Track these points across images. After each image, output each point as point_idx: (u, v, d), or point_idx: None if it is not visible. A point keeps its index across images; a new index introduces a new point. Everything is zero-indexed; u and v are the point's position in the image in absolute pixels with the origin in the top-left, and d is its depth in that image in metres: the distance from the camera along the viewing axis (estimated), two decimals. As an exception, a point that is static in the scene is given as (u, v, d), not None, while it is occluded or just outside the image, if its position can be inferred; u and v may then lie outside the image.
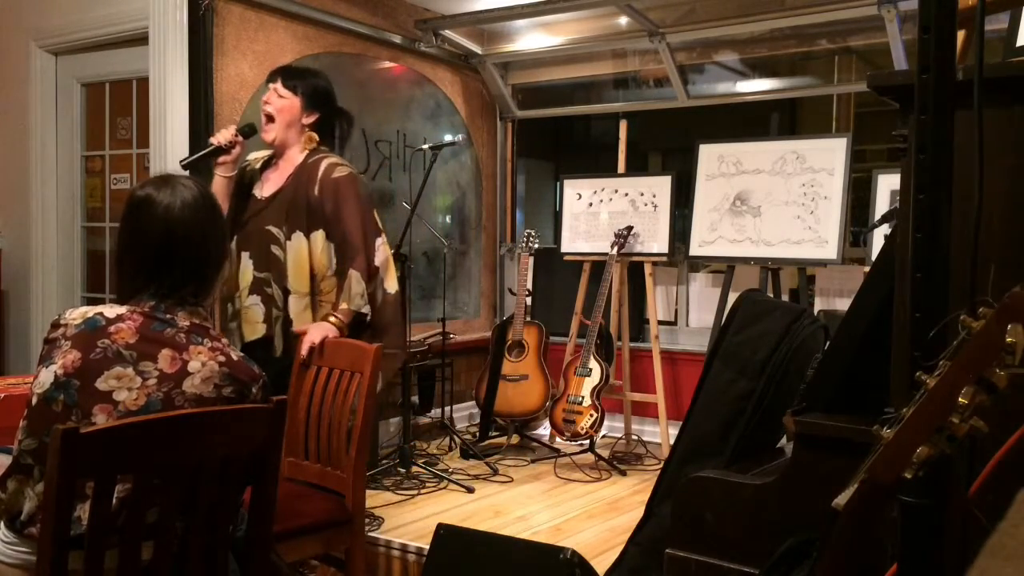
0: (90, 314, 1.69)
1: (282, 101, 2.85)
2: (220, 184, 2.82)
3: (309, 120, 2.88)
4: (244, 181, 2.93)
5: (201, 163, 2.80)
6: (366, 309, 2.75)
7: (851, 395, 1.78)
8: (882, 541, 1.10)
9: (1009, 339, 0.85)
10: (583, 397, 4.30)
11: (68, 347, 1.66)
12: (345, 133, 3.08)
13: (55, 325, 1.71)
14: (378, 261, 2.83)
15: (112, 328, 1.67)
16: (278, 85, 2.86)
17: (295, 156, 2.89)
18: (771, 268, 4.26)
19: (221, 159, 2.81)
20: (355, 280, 2.73)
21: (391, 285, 2.86)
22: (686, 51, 4.91)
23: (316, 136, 2.90)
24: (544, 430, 4.76)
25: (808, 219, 4.19)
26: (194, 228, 1.75)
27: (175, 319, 1.71)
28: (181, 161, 2.81)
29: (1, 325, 4.65)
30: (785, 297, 4.31)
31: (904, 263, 1.42)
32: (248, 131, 2.85)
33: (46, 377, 1.64)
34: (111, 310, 1.71)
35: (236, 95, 3.90)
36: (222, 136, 2.80)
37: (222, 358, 1.72)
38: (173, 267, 1.73)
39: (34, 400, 1.65)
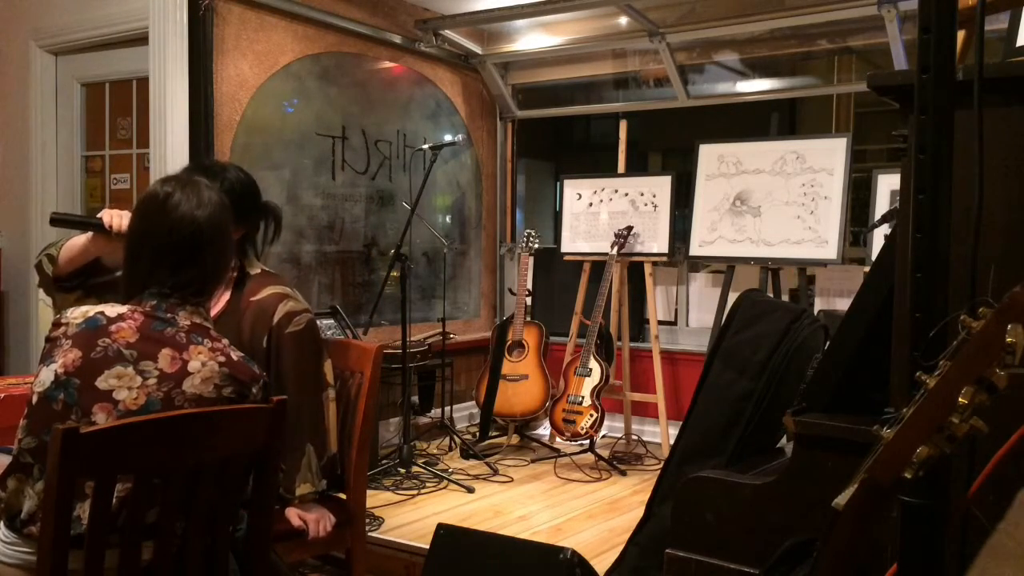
0: (91, 313, 1.69)
1: None
2: (81, 252, 2.15)
3: (236, 236, 2.20)
4: None
5: (72, 228, 2.18)
6: (323, 485, 2.30)
7: (851, 395, 1.78)
8: (882, 541, 1.10)
9: (1009, 339, 0.85)
10: (583, 397, 4.30)
11: (69, 346, 1.66)
12: (272, 234, 2.52)
13: (56, 324, 1.71)
14: (327, 422, 2.37)
15: (113, 327, 1.67)
16: None
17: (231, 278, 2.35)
18: (771, 268, 4.26)
19: (102, 239, 2.12)
20: (312, 456, 2.27)
21: (333, 443, 2.37)
22: (686, 51, 4.91)
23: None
24: (544, 430, 4.76)
25: (808, 219, 4.19)
26: (218, 229, 1.77)
27: (176, 318, 1.72)
28: (52, 213, 2.23)
29: (1, 325, 4.65)
30: (785, 297, 4.31)
31: (904, 263, 1.42)
32: None
33: (46, 376, 1.65)
34: (112, 309, 1.71)
35: (236, 95, 3.90)
36: (120, 221, 2.07)
37: (222, 358, 1.72)
38: (193, 266, 1.74)
39: (34, 399, 1.65)
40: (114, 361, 1.65)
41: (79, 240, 2.15)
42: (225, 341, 1.77)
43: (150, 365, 1.66)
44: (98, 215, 2.13)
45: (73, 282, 2.22)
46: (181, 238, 1.72)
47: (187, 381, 1.67)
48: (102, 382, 1.63)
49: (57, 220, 2.20)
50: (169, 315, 1.71)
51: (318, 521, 2.27)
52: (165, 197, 1.75)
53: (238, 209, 2.13)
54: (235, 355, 1.75)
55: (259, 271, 2.41)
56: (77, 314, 1.70)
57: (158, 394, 1.65)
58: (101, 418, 1.62)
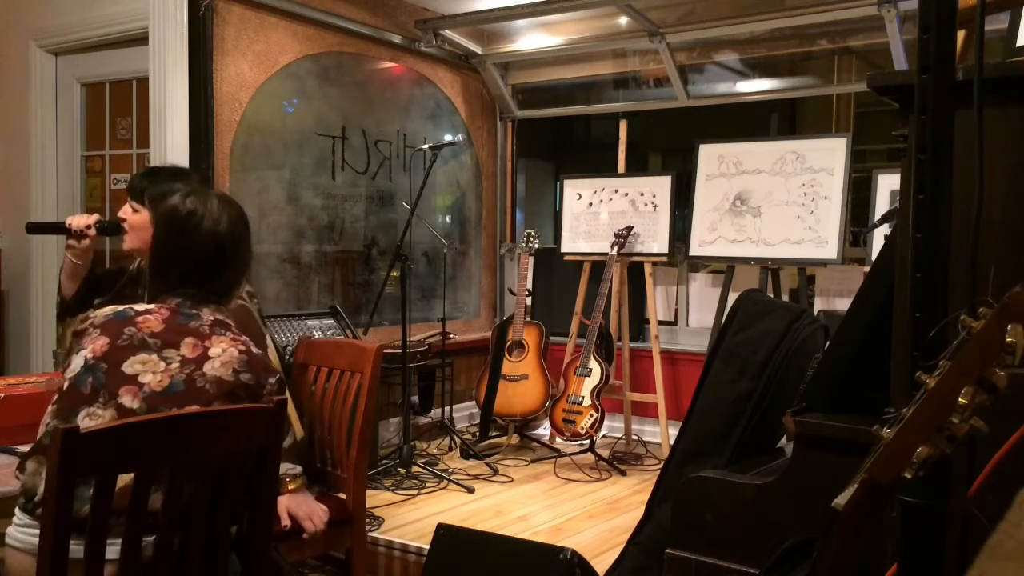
0: (120, 308, 1.80)
1: (134, 216, 2.43)
2: (67, 265, 2.48)
3: None
4: (129, 278, 2.57)
5: (44, 232, 2.59)
6: (288, 468, 2.27)
7: (851, 395, 1.78)
8: (882, 541, 1.10)
9: (1009, 339, 0.85)
10: (583, 397, 4.30)
11: (97, 334, 1.74)
12: None
13: (84, 319, 1.80)
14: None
15: (140, 319, 1.77)
16: (130, 198, 2.47)
17: None
18: (771, 268, 4.26)
19: (70, 242, 2.46)
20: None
21: (298, 429, 2.39)
22: (686, 51, 4.91)
23: None
24: (544, 430, 4.76)
25: (808, 219, 4.19)
26: (238, 242, 1.88)
27: (200, 314, 1.81)
28: (28, 223, 2.57)
29: (1, 325, 4.65)
30: (785, 297, 4.31)
31: (904, 263, 1.42)
32: (108, 229, 2.47)
33: (77, 362, 1.72)
34: (140, 306, 1.81)
35: (236, 95, 3.90)
36: (77, 221, 2.44)
37: (242, 347, 1.81)
38: (216, 276, 1.85)
39: (65, 385, 1.72)
40: (139, 348, 1.73)
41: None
42: (246, 338, 1.85)
43: (173, 352, 1.75)
44: (67, 219, 2.45)
45: (74, 299, 2.47)
46: (205, 253, 1.83)
47: (207, 364, 1.75)
48: (128, 367, 1.71)
49: (31, 228, 2.55)
50: (194, 311, 1.81)
51: (309, 517, 2.26)
52: (188, 214, 1.84)
53: None
54: (255, 349, 1.84)
55: None
56: (107, 309, 1.80)
57: (181, 375, 1.73)
58: (127, 400, 1.70)
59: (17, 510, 1.74)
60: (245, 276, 1.97)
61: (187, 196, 1.88)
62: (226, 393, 1.76)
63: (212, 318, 1.81)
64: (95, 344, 1.73)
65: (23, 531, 1.70)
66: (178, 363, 1.73)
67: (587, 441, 4.32)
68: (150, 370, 1.72)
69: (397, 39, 4.78)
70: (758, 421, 2.29)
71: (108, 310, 1.79)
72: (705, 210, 4.51)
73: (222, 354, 1.76)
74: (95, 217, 2.45)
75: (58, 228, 2.46)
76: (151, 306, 1.81)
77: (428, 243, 4.96)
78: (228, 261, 1.86)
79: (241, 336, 1.83)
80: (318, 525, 2.26)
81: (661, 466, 2.77)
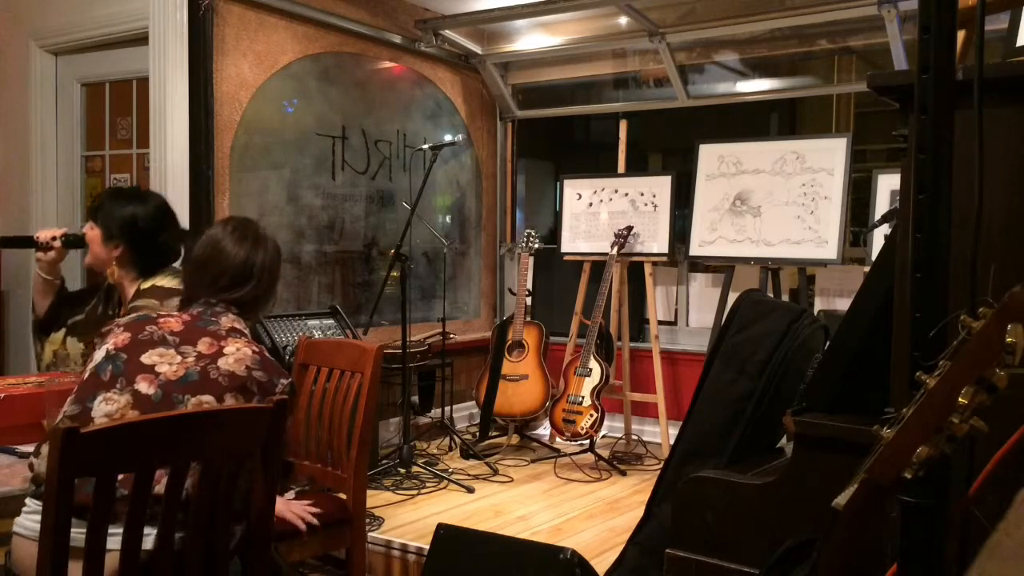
0: (143, 311, 1.93)
1: (91, 232, 2.52)
2: (37, 280, 2.61)
3: (116, 252, 2.49)
4: (103, 294, 2.66)
5: (14, 246, 2.72)
6: None
7: (851, 395, 1.78)
8: (882, 541, 1.10)
9: (1009, 339, 0.85)
10: (583, 397, 4.30)
11: (121, 331, 1.86)
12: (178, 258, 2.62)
13: (109, 322, 1.93)
14: None
15: (161, 320, 1.89)
16: (89, 215, 2.58)
17: (127, 294, 2.54)
18: (771, 268, 4.26)
19: (38, 254, 2.58)
20: None
21: None
22: (686, 51, 4.91)
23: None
24: (544, 430, 4.76)
25: (808, 219, 4.19)
26: (268, 269, 2.05)
27: (219, 321, 1.90)
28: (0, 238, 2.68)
29: (1, 325, 4.65)
30: (785, 297, 4.31)
31: (904, 263, 1.42)
32: (72, 242, 2.57)
33: (99, 354, 1.81)
34: (165, 312, 1.97)
35: (236, 95, 3.90)
36: (44, 233, 2.58)
37: (256, 349, 1.88)
38: (242, 288, 1.99)
39: (87, 374, 1.80)
40: (158, 343, 1.82)
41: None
42: (261, 346, 1.93)
43: (189, 348, 1.83)
44: (36, 234, 2.59)
45: (49, 315, 2.60)
46: (233, 271, 1.98)
47: (222, 359, 1.82)
48: (146, 358, 1.80)
49: (1, 242, 2.72)
50: (213, 319, 1.91)
51: (297, 515, 2.28)
52: (224, 238, 2.01)
53: (116, 231, 2.46)
54: (267, 355, 1.91)
55: (149, 286, 2.49)
56: (133, 314, 1.93)
57: (196, 367, 1.79)
58: (144, 387, 1.76)
59: (28, 499, 1.76)
60: (270, 298, 2.10)
61: (228, 222, 2.06)
62: (238, 387, 1.80)
63: (230, 326, 1.91)
64: (117, 339, 1.83)
65: (32, 518, 1.70)
66: (194, 357, 1.82)
67: (587, 441, 4.32)
68: (167, 361, 1.80)
69: (397, 39, 4.78)
70: (758, 421, 2.29)
71: (134, 314, 1.92)
72: (705, 210, 4.51)
73: (236, 352, 1.84)
74: (62, 230, 2.57)
75: (27, 242, 2.59)
76: (174, 312, 1.96)
77: (428, 243, 4.96)
78: (254, 281, 2.00)
79: (256, 343, 1.92)
80: (307, 518, 2.29)
81: (661, 466, 2.77)
